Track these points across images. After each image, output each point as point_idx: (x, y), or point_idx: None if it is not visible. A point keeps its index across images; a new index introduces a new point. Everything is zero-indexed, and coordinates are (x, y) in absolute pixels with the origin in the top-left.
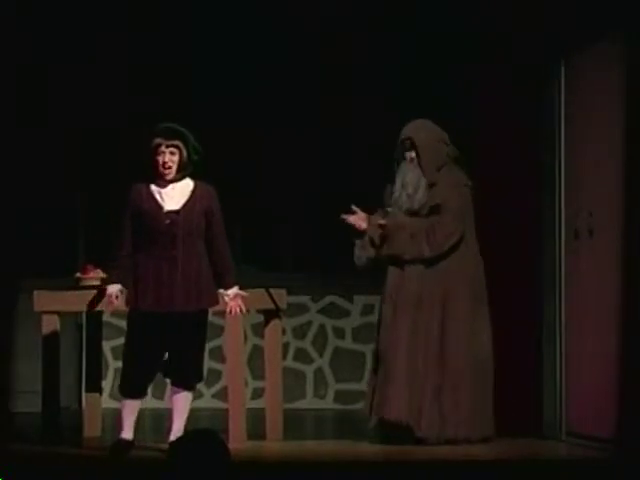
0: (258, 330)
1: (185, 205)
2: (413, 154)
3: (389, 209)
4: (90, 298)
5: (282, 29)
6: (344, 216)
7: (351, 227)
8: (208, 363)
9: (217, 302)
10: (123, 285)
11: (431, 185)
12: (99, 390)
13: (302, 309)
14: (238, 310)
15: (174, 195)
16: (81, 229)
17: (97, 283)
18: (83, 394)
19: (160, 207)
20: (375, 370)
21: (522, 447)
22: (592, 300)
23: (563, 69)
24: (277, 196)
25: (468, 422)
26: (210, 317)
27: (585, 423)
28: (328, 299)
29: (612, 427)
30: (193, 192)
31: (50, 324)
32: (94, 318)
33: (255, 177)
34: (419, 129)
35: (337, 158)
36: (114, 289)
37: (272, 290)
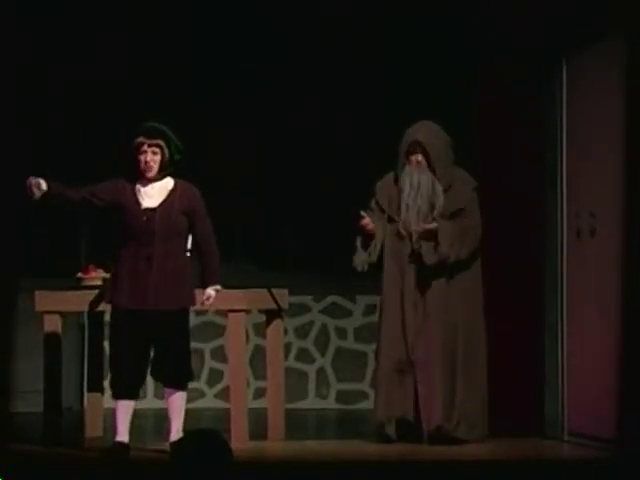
0: (260, 330)
1: (162, 203)
2: (420, 157)
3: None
4: (91, 298)
5: (282, 29)
6: (364, 213)
7: (357, 228)
8: (210, 363)
9: (194, 302)
10: (48, 186)
11: (445, 189)
12: (101, 390)
13: (304, 309)
14: (200, 304)
15: (153, 194)
16: (83, 229)
17: (99, 283)
18: (85, 394)
19: (138, 204)
20: (397, 376)
21: (524, 447)
22: (594, 300)
23: (564, 69)
24: (279, 195)
25: (483, 420)
26: (211, 317)
27: (586, 423)
28: (330, 299)
29: (613, 427)
30: (172, 191)
31: (52, 324)
32: (96, 318)
33: (256, 176)
34: (430, 134)
35: (339, 157)
36: (40, 181)
37: (274, 290)
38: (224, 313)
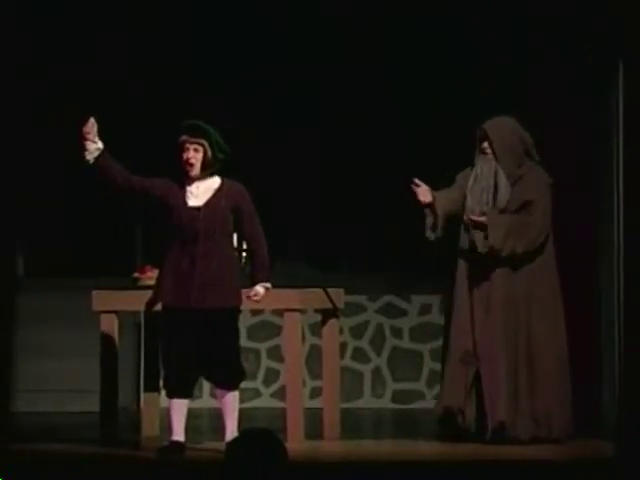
0: (316, 330)
1: (208, 202)
2: (485, 144)
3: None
4: (147, 298)
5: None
6: (417, 182)
7: (415, 199)
8: (266, 362)
9: (240, 300)
10: (103, 153)
11: (515, 181)
12: (157, 390)
13: (360, 309)
14: (249, 300)
15: (199, 193)
16: (138, 229)
17: (155, 283)
18: (141, 394)
19: (184, 203)
20: (462, 368)
21: (592, 448)
22: None
23: (621, 70)
24: (336, 196)
25: (557, 421)
26: (268, 317)
27: None
28: (386, 299)
29: None
30: (219, 190)
31: (108, 324)
32: (152, 318)
33: (312, 177)
34: (496, 122)
35: (393, 157)
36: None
37: (330, 290)
38: (280, 313)
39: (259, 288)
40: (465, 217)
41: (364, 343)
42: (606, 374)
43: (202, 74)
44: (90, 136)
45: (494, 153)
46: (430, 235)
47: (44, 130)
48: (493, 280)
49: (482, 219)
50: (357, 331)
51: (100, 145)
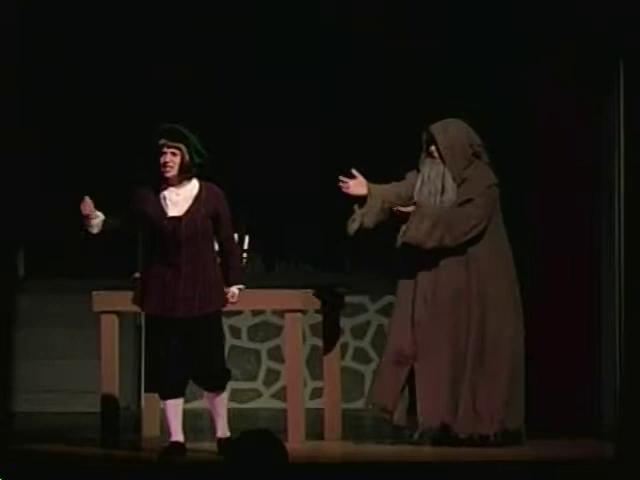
0: (316, 330)
1: (188, 211)
2: (433, 148)
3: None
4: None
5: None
6: (343, 179)
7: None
8: (267, 363)
9: (225, 302)
10: (105, 221)
11: (460, 183)
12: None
13: (361, 309)
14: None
15: (178, 201)
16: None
17: None
18: (142, 394)
19: (163, 213)
20: (394, 367)
21: (592, 448)
22: None
23: (622, 71)
24: (335, 196)
25: (501, 416)
26: (268, 317)
27: None
28: (387, 299)
29: None
30: (197, 196)
31: (109, 324)
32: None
33: (312, 176)
34: (443, 125)
35: (393, 158)
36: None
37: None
38: (281, 313)
39: (235, 290)
40: (394, 209)
41: (365, 343)
42: (606, 374)
43: (204, 74)
44: (91, 215)
45: (441, 156)
46: (351, 229)
47: (44, 130)
48: (439, 276)
49: (408, 209)
50: (358, 331)
51: (101, 216)
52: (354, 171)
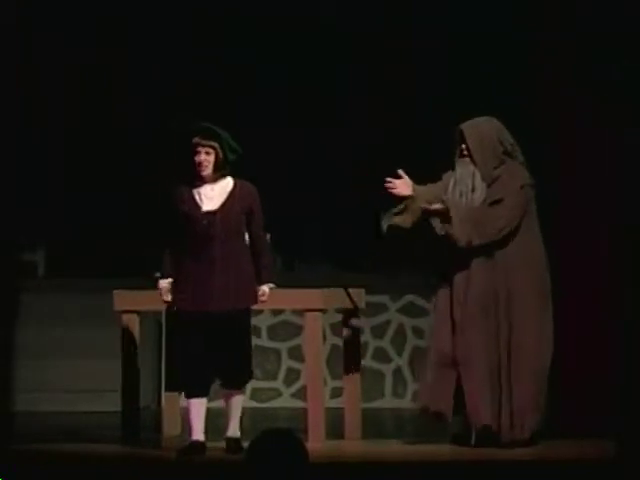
0: (337, 330)
1: (223, 205)
2: (463, 146)
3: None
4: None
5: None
6: (390, 179)
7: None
8: (287, 362)
9: (256, 300)
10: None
11: (491, 182)
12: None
13: (381, 308)
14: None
15: (213, 196)
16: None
17: None
18: (162, 393)
19: (198, 208)
20: (442, 370)
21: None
22: None
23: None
24: (357, 196)
25: (528, 422)
26: (289, 316)
27: None
28: (407, 298)
29: None
30: (232, 192)
31: (129, 323)
32: (173, 317)
33: (333, 177)
34: (473, 123)
35: (413, 157)
36: (165, 283)
37: (350, 289)
38: (301, 313)
39: (266, 288)
40: (422, 206)
41: (385, 343)
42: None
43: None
44: (167, 297)
45: (470, 155)
46: (384, 229)
47: (61, 129)
48: (471, 277)
49: (437, 206)
50: (378, 331)
51: (167, 285)
52: (400, 171)
